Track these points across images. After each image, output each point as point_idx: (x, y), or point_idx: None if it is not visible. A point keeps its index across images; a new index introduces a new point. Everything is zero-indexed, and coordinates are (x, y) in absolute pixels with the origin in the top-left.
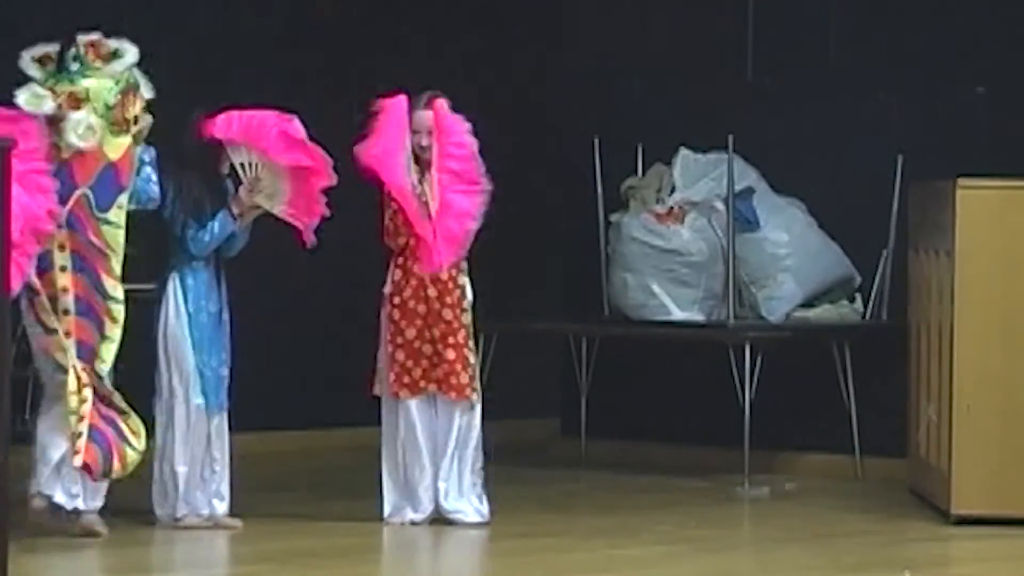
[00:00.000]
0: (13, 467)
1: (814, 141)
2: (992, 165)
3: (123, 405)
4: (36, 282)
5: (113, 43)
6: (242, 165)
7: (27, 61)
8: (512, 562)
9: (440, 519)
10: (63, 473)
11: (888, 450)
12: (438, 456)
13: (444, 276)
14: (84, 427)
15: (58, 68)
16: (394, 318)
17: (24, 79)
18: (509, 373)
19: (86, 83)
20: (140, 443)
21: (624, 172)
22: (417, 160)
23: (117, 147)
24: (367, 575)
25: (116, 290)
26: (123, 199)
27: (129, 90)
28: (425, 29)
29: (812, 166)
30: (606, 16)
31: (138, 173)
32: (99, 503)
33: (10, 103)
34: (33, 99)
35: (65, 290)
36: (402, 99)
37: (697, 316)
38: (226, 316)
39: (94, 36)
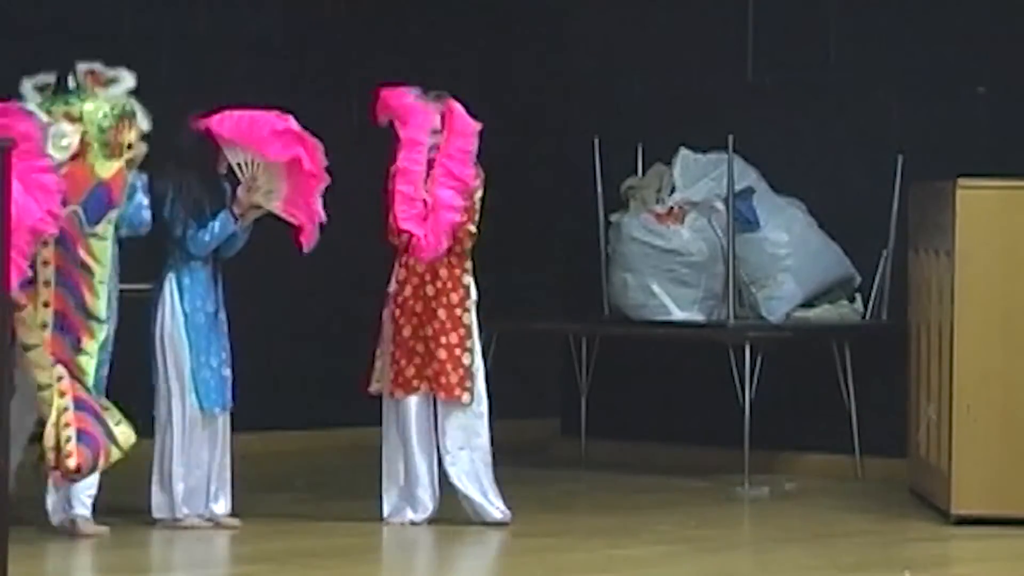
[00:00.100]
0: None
1: (814, 141)
2: (992, 165)
3: (105, 402)
4: (20, 295)
5: (111, 72)
6: (239, 165)
7: (27, 88)
8: (512, 562)
9: (440, 519)
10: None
11: (888, 450)
12: (441, 454)
13: (444, 275)
14: (72, 432)
15: (55, 93)
16: (395, 317)
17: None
18: (509, 373)
19: (82, 106)
20: (126, 438)
21: (624, 172)
22: None
23: (109, 168)
24: (367, 575)
25: (98, 309)
26: (113, 215)
27: (124, 116)
28: (425, 29)
29: (812, 166)
30: (606, 16)
31: (130, 199)
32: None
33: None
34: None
35: (46, 304)
36: (420, 105)
37: (697, 316)
38: (223, 316)
39: (93, 65)
